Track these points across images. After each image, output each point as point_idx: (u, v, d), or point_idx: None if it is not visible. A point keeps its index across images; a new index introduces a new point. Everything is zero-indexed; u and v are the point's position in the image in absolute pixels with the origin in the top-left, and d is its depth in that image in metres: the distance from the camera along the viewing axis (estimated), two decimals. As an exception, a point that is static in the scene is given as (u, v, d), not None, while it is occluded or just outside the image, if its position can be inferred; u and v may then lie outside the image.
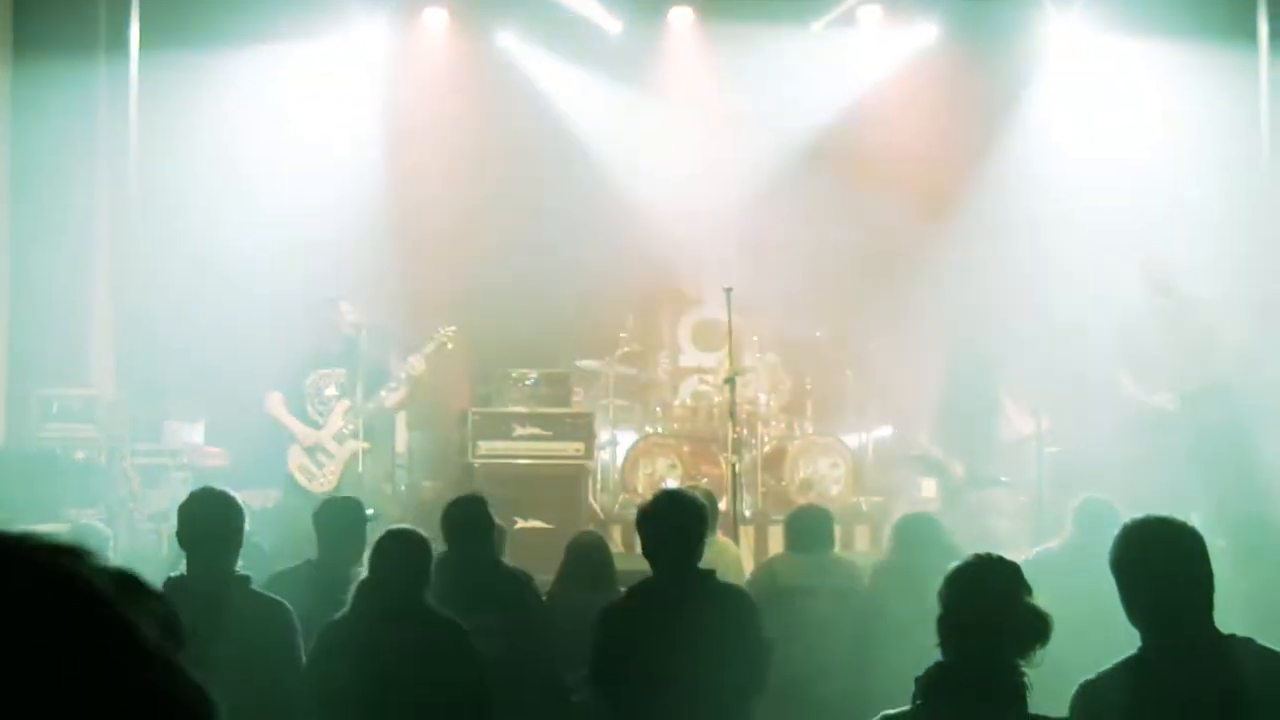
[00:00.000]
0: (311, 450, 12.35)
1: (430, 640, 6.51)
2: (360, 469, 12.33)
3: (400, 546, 6.73)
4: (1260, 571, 8.87)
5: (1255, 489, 11.94)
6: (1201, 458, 11.94)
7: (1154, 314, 12.34)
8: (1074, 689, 4.51)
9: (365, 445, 12.32)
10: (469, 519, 8.42)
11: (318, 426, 12.39)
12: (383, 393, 12.36)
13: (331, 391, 12.43)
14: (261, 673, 6.24)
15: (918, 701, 4.49)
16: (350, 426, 12.24)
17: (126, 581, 1.64)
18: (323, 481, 12.29)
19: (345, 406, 12.31)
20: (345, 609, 6.68)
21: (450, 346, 12.57)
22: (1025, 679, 4.41)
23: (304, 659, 6.61)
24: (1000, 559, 4.69)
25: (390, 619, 6.53)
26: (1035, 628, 4.44)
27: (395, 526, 7.32)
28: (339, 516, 8.77)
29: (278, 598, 6.89)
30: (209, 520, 6.65)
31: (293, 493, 12.33)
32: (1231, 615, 4.55)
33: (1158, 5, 14.64)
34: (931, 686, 4.47)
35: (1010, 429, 12.69)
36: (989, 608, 4.47)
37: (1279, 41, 13.83)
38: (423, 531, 6.98)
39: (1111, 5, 15.17)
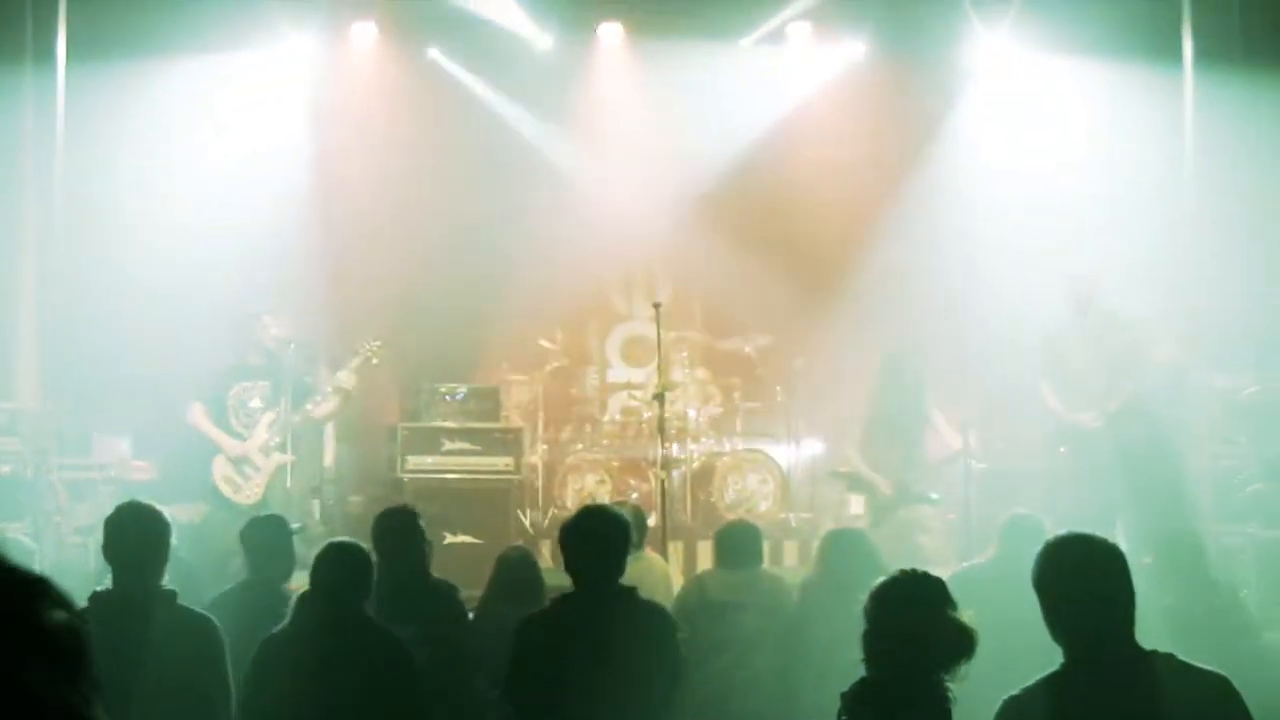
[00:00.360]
0: (237, 462, 12.28)
1: (370, 652, 6.49)
2: (288, 482, 12.26)
3: (341, 559, 6.72)
4: (1182, 587, 8.95)
5: (1178, 506, 12.05)
6: (1125, 475, 12.04)
7: (1079, 332, 12.43)
8: (997, 704, 4.53)
9: (291, 458, 12.26)
10: (397, 530, 8.41)
11: (242, 439, 12.32)
12: (309, 406, 12.31)
13: (256, 404, 12.36)
14: (188, 688, 6.20)
15: (843, 717, 4.51)
16: (276, 439, 12.18)
17: (14, 597, 1.58)
18: (249, 493, 12.23)
19: (270, 419, 12.24)
20: (285, 622, 6.67)
21: (375, 361, 12.53)
22: (950, 694, 4.44)
23: (230, 674, 6.58)
24: (925, 574, 4.72)
25: (330, 631, 6.51)
26: (960, 642, 4.47)
27: (336, 539, 7.30)
28: (266, 534, 8.75)
29: (204, 612, 6.86)
30: (135, 534, 6.59)
31: (218, 505, 12.25)
32: (1154, 632, 4.59)
33: (1084, 25, 14.75)
34: (857, 701, 4.50)
35: (939, 445, 12.74)
36: (914, 622, 4.50)
37: (1202, 61, 13.94)
38: (362, 544, 6.98)
39: (1039, 24, 15.27)
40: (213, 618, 6.79)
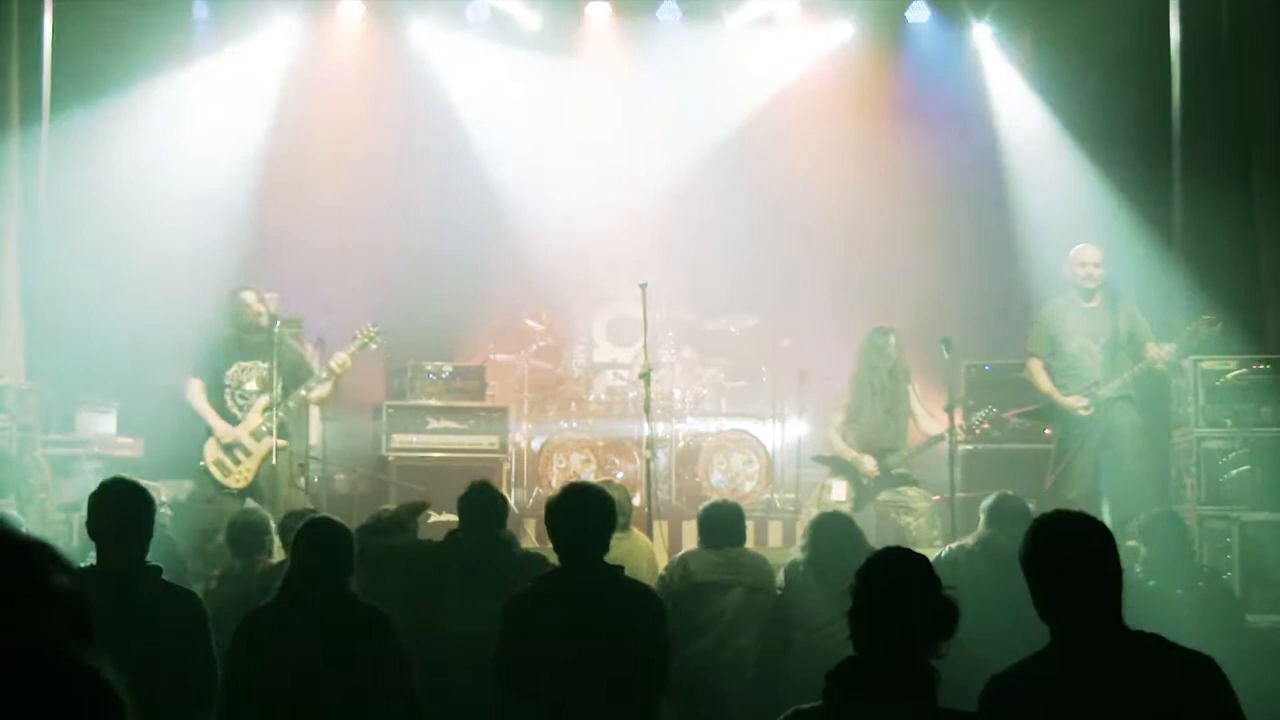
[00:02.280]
0: (229, 447, 12.21)
1: (352, 629, 6.49)
2: (275, 465, 12.18)
3: (321, 536, 6.72)
4: (1167, 570, 8.98)
5: (1163, 491, 12.06)
6: (1111, 459, 12.03)
7: (1078, 312, 12.37)
8: (981, 680, 4.53)
9: (283, 444, 12.19)
10: (481, 504, 8.56)
11: (236, 421, 12.26)
12: (302, 391, 12.24)
13: (252, 386, 12.28)
14: (172, 663, 6.19)
15: (828, 696, 4.50)
16: (268, 425, 12.10)
17: (26, 558, 1.58)
18: (238, 478, 12.17)
19: (264, 403, 12.17)
20: (269, 598, 6.68)
21: (373, 347, 12.45)
22: (935, 672, 4.44)
23: (215, 649, 6.58)
24: (910, 551, 4.72)
25: (312, 606, 6.51)
26: (943, 619, 4.46)
27: (317, 516, 7.31)
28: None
29: (188, 588, 6.84)
30: (119, 511, 6.57)
31: (207, 485, 12.22)
32: (1138, 614, 4.59)
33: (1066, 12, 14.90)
34: (842, 680, 4.49)
35: (921, 426, 12.75)
36: (900, 600, 4.49)
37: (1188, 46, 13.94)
38: (341, 520, 6.98)
39: (1020, 17, 15.41)
40: (196, 593, 6.77)
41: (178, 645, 6.38)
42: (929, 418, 12.70)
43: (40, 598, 1.55)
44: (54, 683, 1.50)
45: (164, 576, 6.61)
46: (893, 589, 4.53)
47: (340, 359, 12.20)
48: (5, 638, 1.48)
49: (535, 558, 8.42)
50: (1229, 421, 12.06)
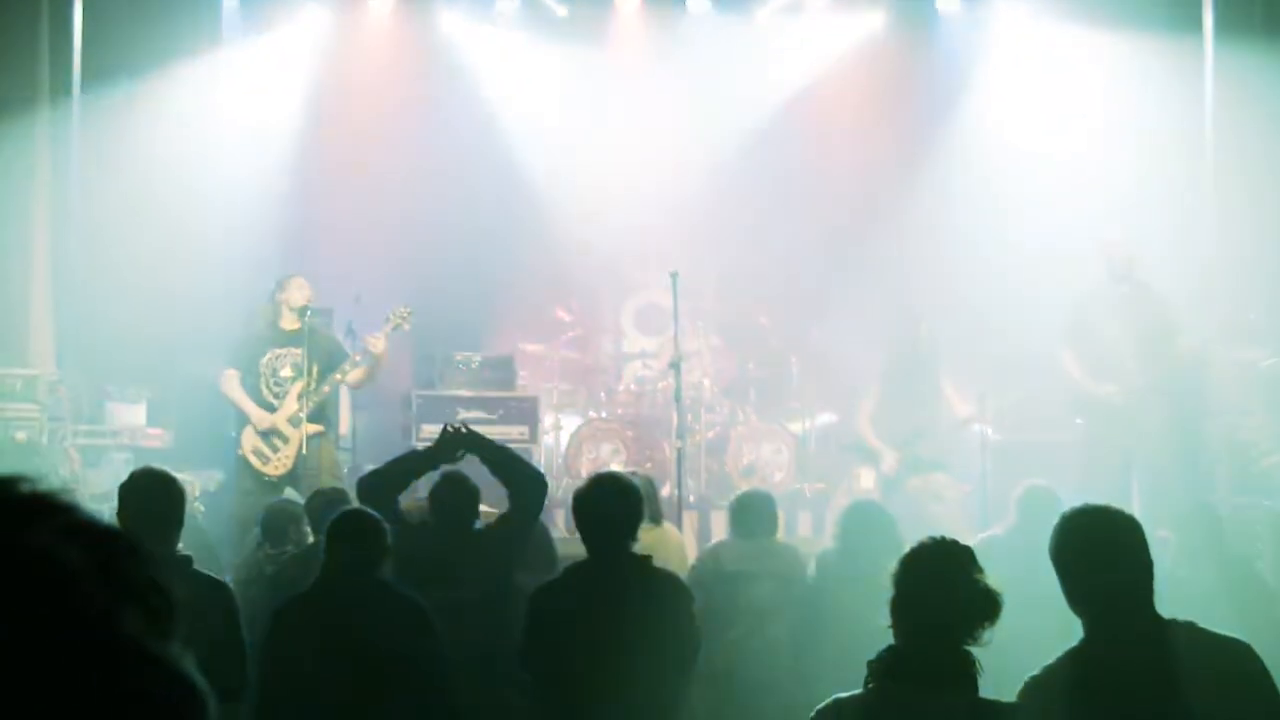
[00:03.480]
0: (266, 434, 12.20)
1: (388, 617, 6.52)
2: (308, 453, 12.17)
3: (354, 527, 6.74)
4: (1199, 560, 8.94)
5: (1194, 481, 12.02)
6: (1143, 450, 12.00)
7: (1111, 301, 12.34)
8: (1015, 675, 4.52)
9: (319, 428, 12.20)
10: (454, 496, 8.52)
11: (272, 408, 12.26)
12: (336, 375, 12.24)
13: (287, 373, 12.28)
14: (204, 654, 6.20)
15: (870, 684, 4.50)
16: (304, 410, 12.10)
17: (106, 549, 1.56)
18: (277, 465, 12.17)
19: (299, 388, 12.16)
20: (305, 588, 6.70)
21: (406, 328, 12.46)
22: (977, 663, 4.43)
23: (246, 638, 6.60)
24: (954, 541, 4.70)
25: (348, 596, 6.54)
26: (986, 608, 4.45)
27: (350, 507, 7.32)
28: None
29: (219, 578, 6.86)
30: (149, 500, 6.59)
31: (245, 475, 12.22)
32: (1170, 603, 4.58)
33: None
34: (885, 669, 4.48)
35: (951, 414, 12.72)
36: (944, 589, 4.48)
37: (1224, 34, 13.89)
38: (374, 513, 6.99)
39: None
40: (228, 583, 6.79)
41: (209, 635, 6.40)
42: (962, 403, 12.68)
43: (120, 591, 1.53)
44: (137, 680, 1.48)
45: (196, 568, 6.63)
46: (937, 578, 4.52)
47: (376, 340, 12.19)
48: (86, 632, 1.46)
49: (502, 554, 8.40)
50: (1261, 411, 12.02)
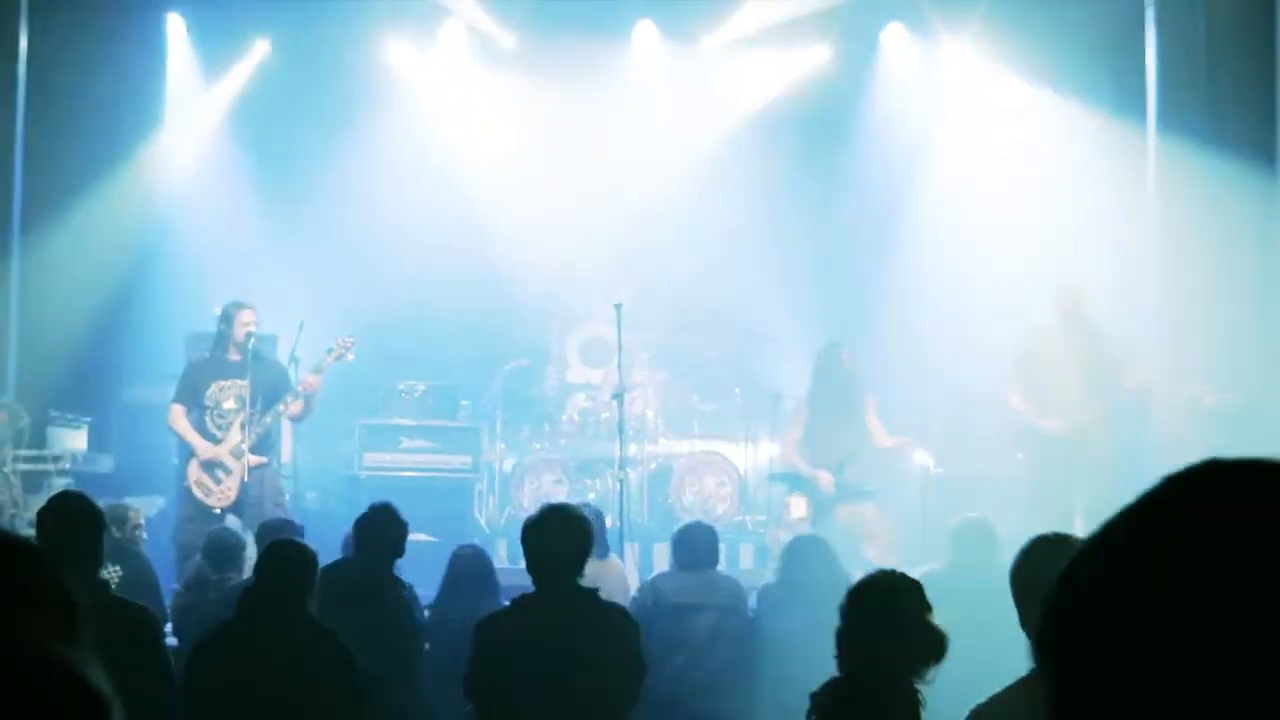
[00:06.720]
0: (209, 466, 12.13)
1: (308, 649, 6.48)
2: (250, 482, 12.10)
3: (283, 556, 6.70)
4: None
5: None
6: (1085, 487, 12.07)
7: (1058, 338, 12.43)
8: (957, 709, 4.53)
9: (264, 460, 12.15)
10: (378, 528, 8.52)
11: (216, 440, 12.20)
12: (280, 406, 12.20)
13: (230, 405, 12.21)
14: (126, 680, 6.15)
15: (814, 716, 4.50)
16: (246, 442, 12.05)
17: (5, 556, 1.57)
18: (220, 496, 12.09)
19: (242, 419, 12.11)
20: (228, 617, 6.66)
21: (350, 358, 12.43)
22: (921, 696, 4.44)
23: (170, 663, 6.55)
24: (903, 575, 4.72)
25: (270, 626, 6.50)
26: (934, 645, 4.47)
27: (279, 538, 7.29)
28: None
29: (142, 604, 6.79)
30: (66, 525, 6.48)
31: (188, 503, 12.14)
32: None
33: (1044, 47, 14.95)
34: (829, 700, 4.49)
35: (876, 442, 12.80)
36: (892, 623, 4.49)
37: (1166, 83, 14.03)
38: (305, 543, 6.96)
39: (1000, 40, 15.43)
40: (150, 609, 6.72)
41: (129, 661, 6.34)
42: (884, 434, 12.78)
43: (21, 599, 1.53)
44: (35, 685, 1.47)
45: (133, 595, 6.58)
46: (885, 614, 4.53)
47: (311, 381, 12.17)
48: None
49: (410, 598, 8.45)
50: (1204, 447, 12.10)
